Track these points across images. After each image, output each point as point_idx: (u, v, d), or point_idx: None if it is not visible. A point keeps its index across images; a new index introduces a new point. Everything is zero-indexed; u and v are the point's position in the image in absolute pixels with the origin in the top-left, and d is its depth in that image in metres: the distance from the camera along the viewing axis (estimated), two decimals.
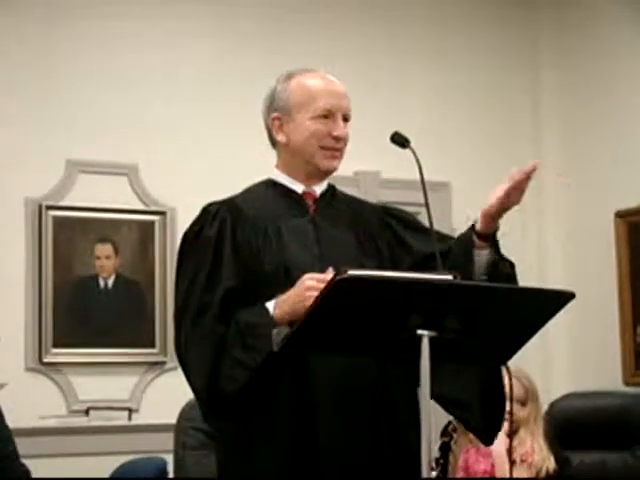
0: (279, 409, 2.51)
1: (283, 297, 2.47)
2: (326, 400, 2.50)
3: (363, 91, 5.70)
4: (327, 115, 2.65)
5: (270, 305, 2.48)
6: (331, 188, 2.77)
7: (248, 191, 2.76)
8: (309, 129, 2.64)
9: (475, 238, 2.60)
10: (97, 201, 5.55)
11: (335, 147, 2.66)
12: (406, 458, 2.54)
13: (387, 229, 2.74)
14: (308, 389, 2.50)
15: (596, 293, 5.94)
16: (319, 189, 2.72)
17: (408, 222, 2.79)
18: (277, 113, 2.69)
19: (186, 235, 2.69)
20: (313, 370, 2.49)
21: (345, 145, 2.70)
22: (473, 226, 2.62)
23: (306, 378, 2.50)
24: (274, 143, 2.73)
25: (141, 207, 5.63)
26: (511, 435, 3.03)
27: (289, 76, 2.72)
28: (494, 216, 2.58)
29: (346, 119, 2.69)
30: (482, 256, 2.59)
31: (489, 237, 2.60)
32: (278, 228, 2.61)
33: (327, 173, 2.71)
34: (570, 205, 6.41)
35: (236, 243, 2.60)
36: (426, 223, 2.58)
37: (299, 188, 2.70)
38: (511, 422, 3.10)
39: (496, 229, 2.61)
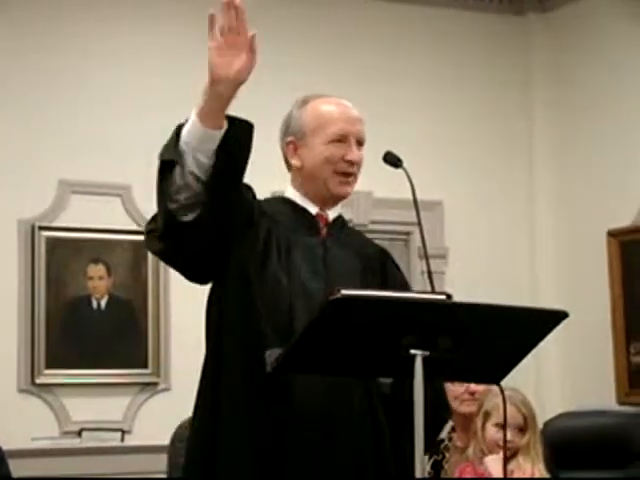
0: (254, 422, 2.49)
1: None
2: (303, 417, 2.49)
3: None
4: (341, 140, 2.67)
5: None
6: (341, 217, 2.78)
7: (265, 201, 2.77)
8: (323, 154, 2.66)
9: None
10: (90, 222, 5.54)
11: (348, 172, 2.68)
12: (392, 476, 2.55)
13: (387, 273, 2.76)
14: (288, 404, 2.49)
15: (589, 312, 5.93)
16: (332, 214, 2.75)
17: (405, 279, 2.84)
18: (292, 137, 2.71)
19: None
20: (294, 386, 2.49)
21: (359, 169, 2.71)
22: None
23: (287, 394, 2.49)
24: (289, 166, 2.75)
25: (134, 227, 5.62)
26: (505, 461, 3.02)
27: (305, 101, 2.75)
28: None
29: (360, 143, 2.71)
30: None
31: None
32: (288, 242, 2.62)
33: (339, 198, 2.73)
34: (563, 224, 6.42)
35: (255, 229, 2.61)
36: (418, 242, 2.58)
37: (313, 209, 2.71)
38: (505, 447, 3.09)
39: None
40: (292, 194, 2.74)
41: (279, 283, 2.56)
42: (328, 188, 2.68)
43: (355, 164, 2.68)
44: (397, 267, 2.85)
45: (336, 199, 2.73)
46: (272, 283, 2.56)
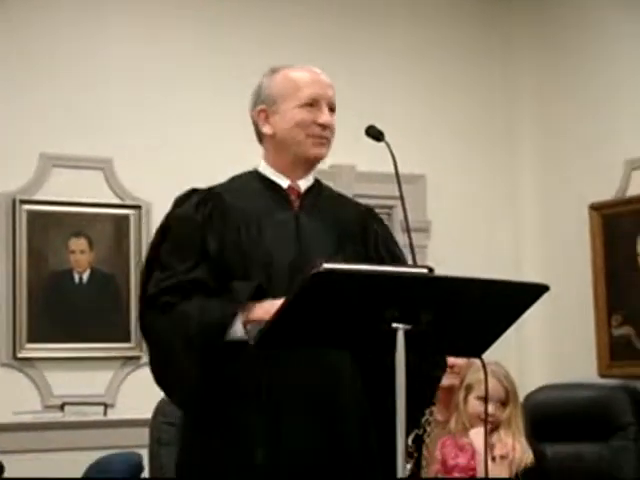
0: (243, 403, 2.50)
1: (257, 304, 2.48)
2: (293, 397, 2.49)
3: (338, 84, 5.69)
4: (312, 104, 2.66)
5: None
6: (317, 183, 2.77)
7: (233, 181, 2.75)
8: (295, 118, 2.65)
9: None
10: (71, 195, 5.52)
11: (321, 135, 2.67)
12: (374, 455, 2.56)
13: (372, 235, 2.74)
14: (277, 384, 2.49)
15: (571, 285, 5.95)
16: (304, 184, 2.72)
17: (389, 235, 2.82)
18: (263, 105, 2.70)
19: (173, 214, 2.66)
20: (283, 365, 2.49)
21: (332, 134, 2.70)
22: None
23: (275, 373, 2.49)
24: (261, 137, 2.73)
25: (116, 201, 5.60)
26: (486, 433, 3.04)
27: (274, 70, 2.74)
28: None
29: (332, 109, 2.70)
30: None
31: None
32: (260, 222, 2.61)
33: (315, 161, 2.71)
34: (545, 198, 6.43)
35: (220, 235, 2.59)
36: (401, 215, 2.58)
37: (284, 183, 2.70)
38: (486, 420, 3.10)
39: None
40: (263, 168, 2.73)
41: (245, 255, 2.56)
42: (302, 151, 2.66)
43: (327, 128, 2.67)
44: (381, 223, 2.82)
45: (311, 163, 2.71)
46: (240, 255, 2.56)
